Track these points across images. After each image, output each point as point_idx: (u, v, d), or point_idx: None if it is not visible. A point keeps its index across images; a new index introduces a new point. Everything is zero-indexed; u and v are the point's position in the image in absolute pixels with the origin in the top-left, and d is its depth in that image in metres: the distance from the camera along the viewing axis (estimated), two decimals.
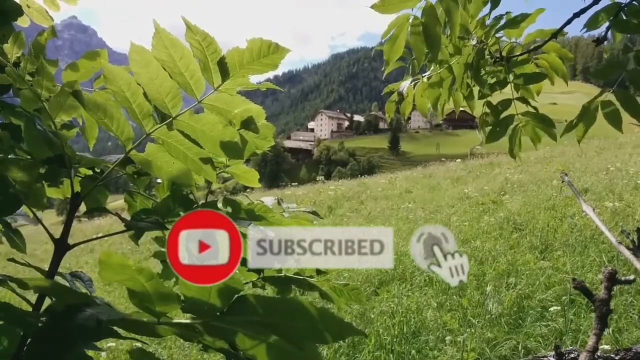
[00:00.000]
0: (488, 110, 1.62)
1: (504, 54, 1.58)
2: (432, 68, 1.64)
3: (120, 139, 0.79)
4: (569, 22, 1.44)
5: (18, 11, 0.93)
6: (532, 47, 1.59)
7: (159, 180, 0.98)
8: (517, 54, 1.57)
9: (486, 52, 1.53)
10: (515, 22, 1.49)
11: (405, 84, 1.68)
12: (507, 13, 1.50)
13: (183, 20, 0.69)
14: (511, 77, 1.58)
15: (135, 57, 0.70)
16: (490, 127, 1.60)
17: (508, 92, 1.64)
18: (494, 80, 1.60)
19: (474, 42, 1.54)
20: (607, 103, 1.32)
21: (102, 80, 1.02)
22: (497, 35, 1.57)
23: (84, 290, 0.85)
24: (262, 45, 0.69)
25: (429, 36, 1.29)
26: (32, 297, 0.70)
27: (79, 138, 0.96)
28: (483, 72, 1.57)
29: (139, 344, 2.57)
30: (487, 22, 1.52)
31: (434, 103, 1.67)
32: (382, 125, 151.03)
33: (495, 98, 1.66)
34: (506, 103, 1.59)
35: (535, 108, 1.58)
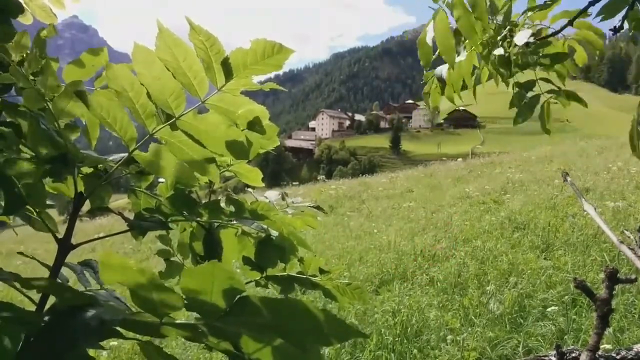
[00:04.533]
0: (517, 89, 1.64)
1: (531, 38, 1.60)
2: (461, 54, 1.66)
3: (124, 138, 0.79)
4: (585, 8, 1.43)
5: (18, 8, 0.93)
6: (558, 28, 1.60)
7: (161, 180, 0.98)
8: (543, 36, 1.59)
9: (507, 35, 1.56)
10: (545, 6, 1.52)
11: (441, 69, 1.69)
12: None
13: (187, 20, 0.68)
14: (534, 58, 1.60)
15: (139, 57, 0.70)
16: (518, 108, 1.62)
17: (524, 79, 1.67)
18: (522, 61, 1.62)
19: (500, 18, 1.55)
20: None
21: (103, 78, 1.01)
22: (519, 19, 1.59)
23: (93, 281, 0.84)
24: (266, 46, 0.69)
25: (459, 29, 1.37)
26: (36, 296, 0.70)
27: (81, 137, 0.96)
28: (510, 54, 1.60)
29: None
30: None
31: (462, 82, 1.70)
32: (383, 124, 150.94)
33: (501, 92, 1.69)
34: (531, 84, 1.62)
35: (558, 87, 1.60)
